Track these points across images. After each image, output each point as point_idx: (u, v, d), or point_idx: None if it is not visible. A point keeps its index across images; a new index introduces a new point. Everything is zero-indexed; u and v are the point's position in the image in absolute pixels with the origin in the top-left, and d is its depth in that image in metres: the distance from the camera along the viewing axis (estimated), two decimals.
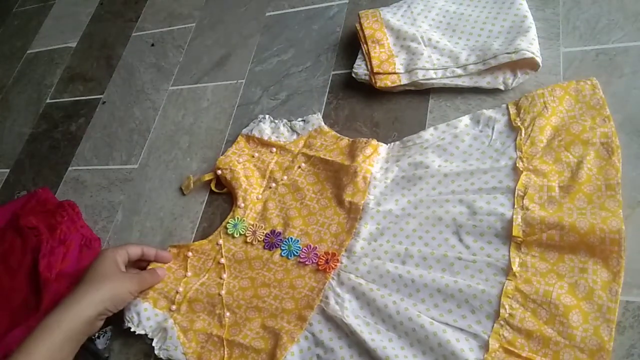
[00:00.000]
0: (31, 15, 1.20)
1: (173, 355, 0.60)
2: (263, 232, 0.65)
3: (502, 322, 0.50)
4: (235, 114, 0.79)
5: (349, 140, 0.67)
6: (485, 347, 0.49)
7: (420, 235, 0.57)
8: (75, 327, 0.55)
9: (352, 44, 0.76)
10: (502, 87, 0.64)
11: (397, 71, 0.68)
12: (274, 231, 0.65)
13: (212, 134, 0.79)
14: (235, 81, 0.83)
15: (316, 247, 0.62)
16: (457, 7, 0.71)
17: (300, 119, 0.72)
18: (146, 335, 0.62)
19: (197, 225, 0.72)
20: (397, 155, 0.64)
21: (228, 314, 0.61)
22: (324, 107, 0.74)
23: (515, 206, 0.54)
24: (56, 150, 0.91)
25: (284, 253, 0.63)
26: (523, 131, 0.59)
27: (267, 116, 0.74)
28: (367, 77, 0.70)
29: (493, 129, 0.61)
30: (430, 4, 0.72)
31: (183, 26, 0.96)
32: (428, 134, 0.64)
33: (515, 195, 0.55)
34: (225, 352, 0.58)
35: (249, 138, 0.73)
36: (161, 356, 0.60)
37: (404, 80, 0.68)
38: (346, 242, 0.60)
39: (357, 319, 0.54)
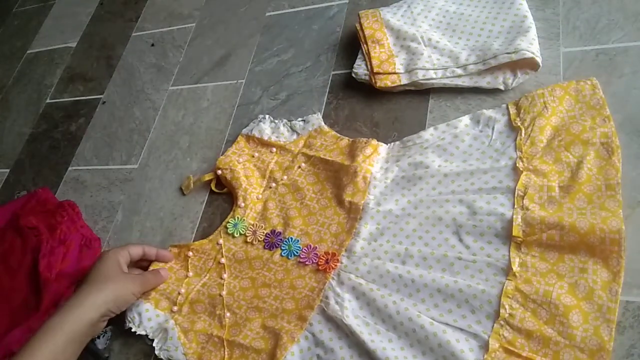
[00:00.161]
0: (31, 15, 1.20)
1: (173, 356, 0.60)
2: (263, 232, 0.65)
3: (502, 322, 0.50)
4: (235, 114, 0.79)
5: (349, 140, 0.67)
6: (485, 347, 0.49)
7: (420, 235, 0.57)
8: (78, 329, 0.55)
9: (352, 44, 0.76)
10: (502, 87, 0.64)
11: (397, 71, 0.68)
12: (274, 231, 0.65)
13: (212, 134, 0.79)
14: (235, 81, 0.83)
15: (316, 247, 0.62)
16: (457, 7, 0.71)
17: (300, 119, 0.72)
18: (147, 336, 0.62)
19: (197, 225, 0.72)
20: (397, 155, 0.64)
21: (228, 314, 0.61)
22: (324, 107, 0.74)
23: (515, 206, 0.54)
24: (56, 150, 0.91)
25: (284, 253, 0.63)
26: (523, 131, 0.59)
27: (267, 116, 0.74)
28: (367, 77, 0.70)
29: (493, 129, 0.61)
30: (430, 4, 0.72)
31: (183, 26, 0.96)
32: (428, 134, 0.64)
33: (515, 195, 0.55)
34: (226, 353, 0.58)
35: (249, 138, 0.73)
36: (162, 357, 0.60)
37: (404, 80, 0.68)
38: (346, 242, 0.60)
39: (357, 319, 0.54)
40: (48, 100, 1.00)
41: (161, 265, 0.67)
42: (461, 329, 0.51)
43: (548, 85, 0.60)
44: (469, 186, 0.58)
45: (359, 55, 0.72)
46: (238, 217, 0.67)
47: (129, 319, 0.62)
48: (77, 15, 1.12)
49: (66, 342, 0.53)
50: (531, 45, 0.62)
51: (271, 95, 0.79)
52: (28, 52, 1.12)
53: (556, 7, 0.67)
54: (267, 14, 0.89)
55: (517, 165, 0.57)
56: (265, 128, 0.73)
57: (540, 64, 0.62)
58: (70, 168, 0.88)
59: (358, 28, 0.73)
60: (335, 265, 0.59)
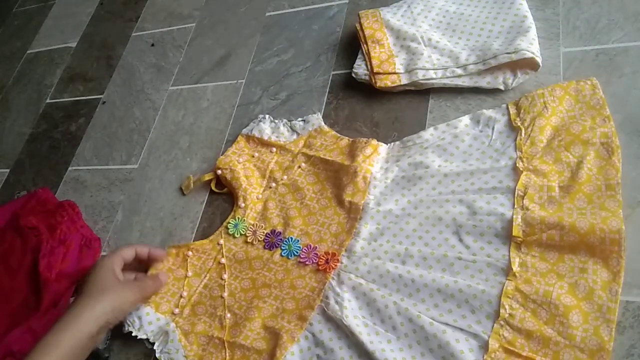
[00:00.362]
0: (31, 15, 1.20)
1: (174, 359, 0.60)
2: (263, 232, 0.65)
3: (502, 322, 0.50)
4: (235, 114, 0.79)
5: (349, 140, 0.67)
6: (485, 347, 0.49)
7: (420, 235, 0.57)
8: (77, 344, 0.53)
9: (352, 44, 0.76)
10: (502, 87, 0.64)
11: (397, 71, 0.68)
12: (274, 231, 0.65)
13: (212, 134, 0.79)
14: (235, 81, 0.83)
15: (316, 247, 0.62)
16: (457, 7, 0.71)
17: (300, 119, 0.72)
18: (147, 339, 0.62)
19: (197, 225, 0.72)
20: (397, 155, 0.64)
21: (229, 315, 0.61)
22: (324, 107, 0.74)
23: (515, 206, 0.54)
24: (56, 150, 0.91)
25: (284, 253, 0.63)
26: (523, 131, 0.59)
27: (267, 116, 0.74)
28: (367, 77, 0.70)
29: (493, 129, 0.61)
30: (430, 4, 0.72)
31: (183, 26, 0.96)
32: (428, 134, 0.64)
33: (515, 195, 0.55)
34: (227, 354, 0.58)
35: (249, 138, 0.73)
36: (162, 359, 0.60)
37: (404, 80, 0.68)
38: (346, 242, 0.60)
39: (356, 319, 0.54)
40: (48, 100, 1.00)
41: (160, 269, 0.66)
42: (461, 329, 0.51)
43: (548, 85, 0.60)
44: (469, 186, 0.58)
45: (359, 55, 0.72)
46: (239, 218, 0.67)
47: (129, 322, 0.62)
48: (77, 15, 1.12)
49: (65, 357, 0.52)
50: (531, 45, 0.62)
51: (271, 95, 0.79)
52: (28, 52, 1.12)
53: (556, 7, 0.67)
54: (267, 14, 0.89)
55: (517, 165, 0.57)
56: (265, 128, 0.73)
57: (540, 64, 0.62)
58: (70, 168, 0.88)
59: (358, 28, 0.73)
60: (335, 265, 0.59)
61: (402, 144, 0.65)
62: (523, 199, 0.54)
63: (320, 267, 0.60)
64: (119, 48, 1.00)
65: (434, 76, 0.66)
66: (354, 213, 0.62)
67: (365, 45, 0.71)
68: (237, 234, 0.66)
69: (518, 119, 0.60)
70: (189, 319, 0.62)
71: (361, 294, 0.56)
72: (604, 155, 0.54)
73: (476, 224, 0.55)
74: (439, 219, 0.57)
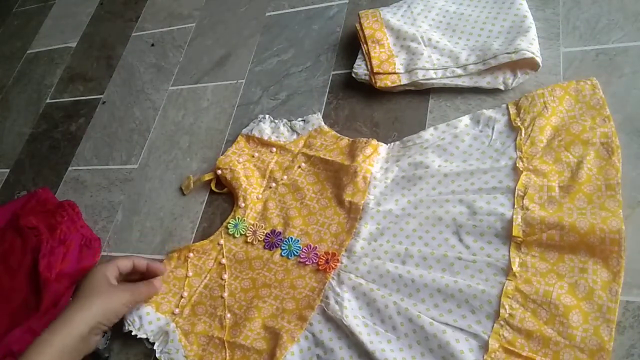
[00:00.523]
0: (31, 15, 1.20)
1: (174, 359, 0.60)
2: (263, 232, 0.65)
3: (502, 322, 0.50)
4: (235, 114, 0.79)
5: (349, 140, 0.67)
6: (485, 347, 0.49)
7: (420, 235, 0.57)
8: (69, 344, 0.53)
9: (352, 44, 0.76)
10: (502, 87, 0.64)
11: (397, 71, 0.68)
12: (274, 231, 0.65)
13: (212, 134, 0.79)
14: (235, 81, 0.83)
15: (316, 247, 0.62)
16: (457, 7, 0.71)
17: (300, 119, 0.72)
18: (147, 339, 0.62)
19: (197, 225, 0.72)
20: (397, 155, 0.64)
21: (229, 315, 0.61)
22: (324, 107, 0.74)
23: (515, 206, 0.54)
24: (56, 150, 0.91)
25: (284, 253, 0.63)
26: (523, 131, 0.59)
27: (267, 116, 0.74)
28: (367, 77, 0.70)
29: (493, 129, 0.61)
30: (430, 4, 0.72)
31: (183, 26, 0.96)
32: (428, 134, 0.64)
33: (515, 195, 0.55)
34: (227, 354, 0.58)
35: (249, 138, 0.73)
36: None
37: (404, 80, 0.68)
38: (346, 242, 0.60)
39: (356, 319, 0.54)
40: (48, 100, 1.00)
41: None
42: (461, 329, 0.51)
43: (548, 85, 0.60)
44: (469, 186, 0.58)
45: (359, 55, 0.72)
46: (239, 218, 0.67)
47: (129, 322, 0.62)
48: (77, 15, 1.12)
49: (58, 357, 0.52)
50: (531, 45, 0.62)
51: (271, 95, 0.79)
52: (28, 52, 1.12)
53: (556, 7, 0.67)
54: (267, 14, 0.89)
55: (517, 165, 0.57)
56: (265, 128, 0.73)
57: (540, 64, 0.62)
58: (70, 168, 0.88)
59: (358, 28, 0.73)
60: (335, 265, 0.59)
61: (402, 144, 0.65)
62: (523, 199, 0.54)
63: (320, 267, 0.60)
64: (119, 48, 1.00)
65: (434, 76, 0.66)
66: (354, 213, 0.62)
67: (365, 45, 0.71)
68: (237, 234, 0.66)
69: (518, 119, 0.60)
70: (189, 319, 0.62)
71: (361, 294, 0.56)
72: (604, 155, 0.54)
73: (476, 224, 0.55)
74: (439, 219, 0.57)
